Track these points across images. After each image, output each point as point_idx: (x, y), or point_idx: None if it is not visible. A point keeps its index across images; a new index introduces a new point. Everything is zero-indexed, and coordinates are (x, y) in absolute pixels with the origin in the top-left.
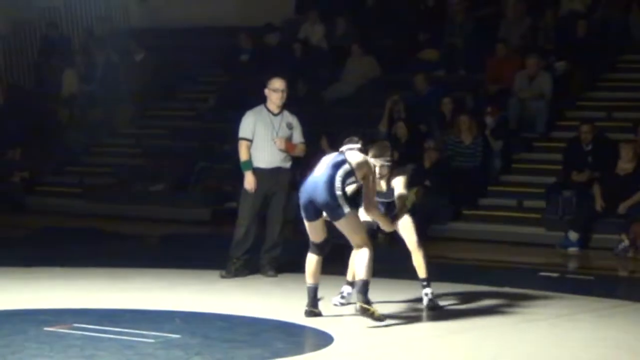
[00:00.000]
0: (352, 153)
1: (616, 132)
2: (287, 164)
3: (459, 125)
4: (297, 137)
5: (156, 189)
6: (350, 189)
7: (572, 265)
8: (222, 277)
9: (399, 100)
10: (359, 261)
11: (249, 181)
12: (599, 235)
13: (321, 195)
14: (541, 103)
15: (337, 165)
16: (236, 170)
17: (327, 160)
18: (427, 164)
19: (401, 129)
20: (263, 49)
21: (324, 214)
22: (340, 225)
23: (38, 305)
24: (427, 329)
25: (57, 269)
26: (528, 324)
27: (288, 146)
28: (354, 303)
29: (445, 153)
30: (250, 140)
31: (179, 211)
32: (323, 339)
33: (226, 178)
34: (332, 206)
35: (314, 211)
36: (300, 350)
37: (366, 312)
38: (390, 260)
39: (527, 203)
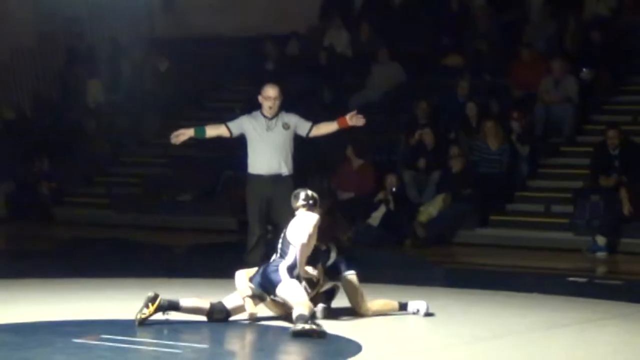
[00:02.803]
0: (296, 222)
1: None
2: (286, 171)
3: (484, 130)
4: (304, 126)
5: (183, 198)
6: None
7: (600, 270)
8: None
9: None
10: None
11: (181, 131)
12: (627, 240)
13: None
14: (568, 107)
15: (286, 248)
16: None
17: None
18: (454, 170)
19: (427, 136)
20: (288, 57)
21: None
22: (280, 292)
23: (66, 316)
24: (455, 336)
25: (85, 280)
26: (557, 330)
27: (341, 123)
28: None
29: (472, 159)
30: (230, 131)
31: (206, 220)
32: (351, 347)
33: None
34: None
35: None
36: (328, 359)
37: (303, 331)
38: (401, 267)
39: (555, 208)
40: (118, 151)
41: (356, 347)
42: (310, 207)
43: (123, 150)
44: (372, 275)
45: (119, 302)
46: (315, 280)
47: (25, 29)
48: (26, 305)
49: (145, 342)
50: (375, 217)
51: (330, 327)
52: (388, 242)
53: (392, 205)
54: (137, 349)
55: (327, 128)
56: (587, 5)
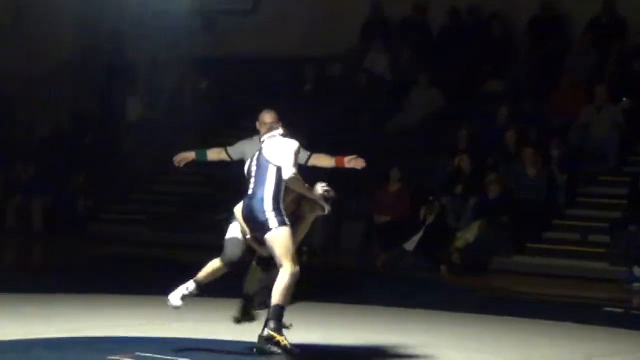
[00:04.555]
0: (266, 142)
1: None
2: None
3: (523, 157)
4: (302, 155)
5: (220, 217)
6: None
7: (636, 300)
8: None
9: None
10: (279, 282)
11: (182, 155)
12: None
13: (253, 214)
14: (612, 135)
15: (262, 175)
16: None
17: (252, 168)
18: (491, 196)
19: (465, 162)
20: (327, 79)
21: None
22: (268, 239)
23: (101, 333)
24: None
25: (120, 297)
26: None
27: (338, 162)
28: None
29: (509, 186)
30: (229, 156)
31: None
32: None
33: None
34: (263, 226)
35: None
36: None
37: (272, 340)
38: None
39: (592, 237)
40: (155, 168)
41: None
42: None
43: (160, 168)
44: (406, 300)
45: (153, 320)
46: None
47: (66, 43)
48: (62, 321)
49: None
50: (412, 242)
51: (361, 352)
52: (423, 267)
53: (436, 211)
54: None
55: (324, 161)
56: (629, 34)
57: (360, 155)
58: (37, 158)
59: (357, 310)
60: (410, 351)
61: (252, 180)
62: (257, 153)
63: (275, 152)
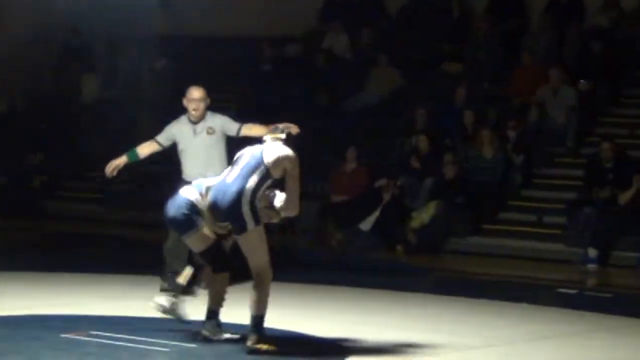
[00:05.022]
0: (269, 146)
1: (638, 150)
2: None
3: (480, 138)
4: (231, 127)
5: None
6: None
7: (590, 282)
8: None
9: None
10: (256, 291)
11: (114, 163)
12: (618, 253)
13: (226, 205)
14: (570, 117)
15: (251, 170)
16: None
17: (241, 161)
18: (447, 177)
19: (423, 142)
20: (285, 59)
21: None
22: (242, 240)
23: (55, 311)
24: (444, 344)
25: (75, 275)
26: (545, 341)
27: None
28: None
29: (466, 166)
30: (160, 144)
31: None
32: (338, 353)
33: None
34: (236, 219)
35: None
36: None
37: (259, 352)
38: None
39: (547, 219)
40: (112, 147)
41: (343, 354)
42: (284, 142)
43: (117, 146)
44: (361, 279)
45: (108, 298)
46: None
47: (21, 23)
48: (15, 299)
49: (133, 339)
50: (368, 222)
51: (315, 331)
52: (379, 247)
53: (395, 192)
54: (125, 346)
55: (258, 131)
56: (588, 15)
57: (317, 134)
58: None
59: (314, 290)
60: (365, 332)
61: (235, 168)
62: (259, 147)
63: (273, 156)
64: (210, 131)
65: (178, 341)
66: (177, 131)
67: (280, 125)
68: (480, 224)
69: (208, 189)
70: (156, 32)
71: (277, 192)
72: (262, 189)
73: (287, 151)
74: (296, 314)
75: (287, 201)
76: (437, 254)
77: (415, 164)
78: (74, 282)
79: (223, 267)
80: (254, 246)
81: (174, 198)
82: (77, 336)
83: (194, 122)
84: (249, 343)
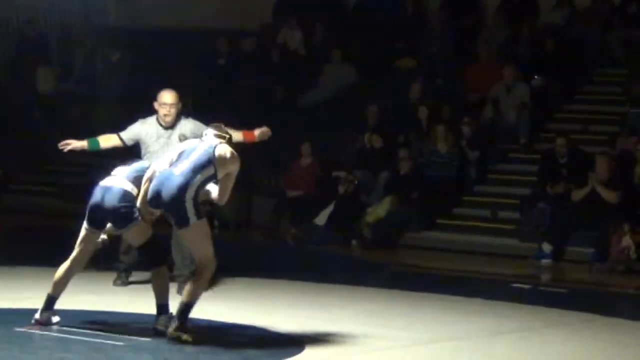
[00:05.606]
0: (222, 148)
1: (591, 145)
2: None
3: (435, 134)
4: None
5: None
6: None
7: (545, 277)
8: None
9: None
10: (195, 279)
11: (71, 142)
12: (572, 248)
13: (170, 197)
14: (522, 114)
15: (200, 167)
16: None
17: (192, 156)
18: (401, 172)
19: (375, 137)
20: (241, 53)
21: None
22: (185, 234)
23: (8, 304)
24: (396, 339)
25: (28, 268)
26: (498, 337)
27: (247, 136)
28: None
29: (421, 162)
30: (122, 141)
31: None
32: (294, 346)
33: None
34: (178, 212)
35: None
36: (271, 357)
37: (179, 340)
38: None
39: (502, 214)
40: (66, 139)
41: (298, 346)
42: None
43: (71, 139)
44: (317, 274)
45: (63, 292)
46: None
47: None
48: None
49: (87, 333)
50: (322, 216)
51: (271, 325)
52: (334, 242)
53: (351, 188)
54: (79, 339)
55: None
56: (541, 13)
57: (272, 129)
58: None
59: (268, 285)
60: (319, 326)
61: (184, 161)
62: (207, 145)
63: (225, 160)
64: (182, 138)
65: (133, 335)
66: (144, 133)
67: (257, 132)
68: (435, 219)
69: (139, 176)
70: (111, 24)
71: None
72: (205, 186)
73: (235, 156)
74: (251, 308)
75: (222, 193)
76: (392, 249)
77: (368, 165)
78: (29, 276)
79: (162, 259)
80: (198, 239)
81: (104, 190)
82: (31, 330)
83: (165, 127)
84: (170, 330)
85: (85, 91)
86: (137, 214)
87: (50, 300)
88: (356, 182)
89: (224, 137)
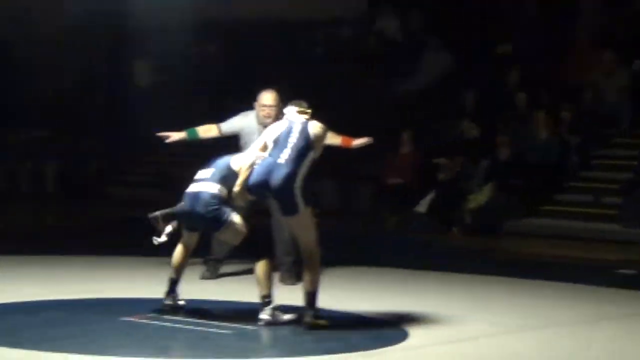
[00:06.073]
0: (313, 125)
1: None
2: None
3: (535, 120)
4: None
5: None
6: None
7: None
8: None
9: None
10: (308, 270)
11: (171, 133)
12: None
13: (278, 186)
14: (623, 98)
15: (302, 154)
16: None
17: (290, 141)
18: (501, 159)
19: (474, 125)
20: (337, 42)
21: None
22: (292, 222)
23: (115, 295)
24: (499, 325)
25: (135, 259)
26: (602, 322)
27: (345, 142)
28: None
29: (521, 149)
30: (220, 132)
31: None
32: (398, 334)
33: None
34: (288, 201)
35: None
36: (375, 345)
37: (318, 327)
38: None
39: (605, 199)
40: (166, 130)
41: (401, 334)
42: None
43: (173, 131)
44: (418, 262)
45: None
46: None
47: (74, 6)
48: (77, 283)
49: (193, 322)
50: (423, 204)
51: (373, 313)
52: (435, 230)
53: (451, 175)
54: (185, 328)
55: (331, 139)
56: None
57: (372, 118)
58: (49, 121)
59: (370, 273)
60: (421, 313)
61: (285, 149)
62: (300, 125)
63: (319, 137)
64: None
65: (238, 323)
66: (245, 127)
67: (355, 141)
68: (536, 206)
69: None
70: (208, 15)
71: None
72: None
73: (325, 128)
74: (353, 296)
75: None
76: (494, 236)
77: (469, 152)
78: (134, 266)
79: (263, 253)
80: (305, 226)
81: (193, 198)
82: (137, 319)
83: (265, 126)
84: (307, 319)
85: (183, 83)
86: (227, 214)
87: (172, 283)
88: (457, 169)
89: (307, 113)
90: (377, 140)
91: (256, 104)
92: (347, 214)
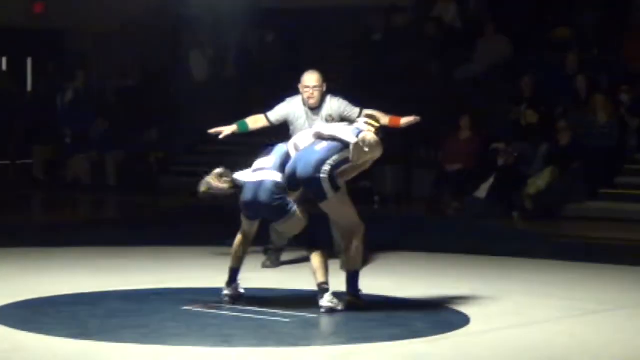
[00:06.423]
0: (367, 134)
1: None
2: None
3: (594, 103)
4: (351, 112)
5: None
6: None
7: None
8: None
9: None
10: (350, 249)
11: (222, 128)
12: None
13: (305, 173)
14: None
15: (339, 148)
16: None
17: (334, 134)
18: (561, 143)
19: (531, 110)
20: (394, 28)
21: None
22: (325, 207)
23: (176, 284)
24: (565, 308)
25: (194, 249)
26: None
27: (393, 121)
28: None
29: (580, 132)
30: (269, 121)
31: None
32: (460, 320)
33: None
34: (315, 188)
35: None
36: (438, 330)
37: (356, 307)
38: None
39: None
40: (223, 121)
41: (463, 320)
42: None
43: (229, 121)
44: (479, 247)
45: (227, 271)
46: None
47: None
48: (139, 274)
49: (253, 310)
50: (482, 189)
51: (435, 299)
52: (495, 215)
53: (510, 160)
54: (246, 317)
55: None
56: None
57: (430, 103)
58: (111, 113)
59: (430, 258)
60: (483, 298)
61: (323, 142)
62: (357, 131)
63: (367, 147)
64: (330, 119)
65: (298, 311)
66: (291, 112)
67: (403, 120)
68: (596, 189)
69: (284, 162)
70: (264, 4)
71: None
72: (341, 167)
73: (379, 145)
74: (414, 282)
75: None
76: (554, 220)
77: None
78: (194, 256)
79: (318, 244)
80: (339, 209)
81: (256, 187)
82: (197, 308)
83: (310, 109)
84: (348, 298)
85: (240, 73)
86: (290, 204)
87: (233, 273)
88: (515, 154)
89: (373, 126)
90: (436, 126)
91: (300, 86)
92: (408, 199)
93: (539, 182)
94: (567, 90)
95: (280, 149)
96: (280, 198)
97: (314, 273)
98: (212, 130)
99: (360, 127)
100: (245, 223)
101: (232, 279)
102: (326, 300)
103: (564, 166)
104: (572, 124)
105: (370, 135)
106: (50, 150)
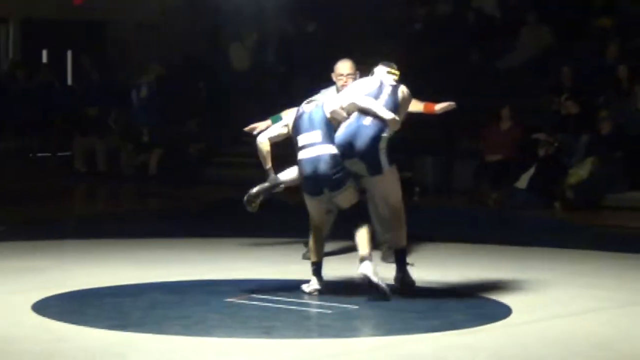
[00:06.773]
0: (402, 89)
1: None
2: None
3: (635, 93)
4: None
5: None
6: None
7: None
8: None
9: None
10: (395, 227)
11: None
12: None
13: (363, 147)
14: None
15: (381, 122)
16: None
17: (379, 102)
18: (602, 132)
19: (572, 100)
20: (436, 17)
21: None
22: (378, 181)
23: (218, 276)
24: (606, 300)
25: (236, 240)
26: None
27: (427, 108)
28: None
29: (621, 122)
30: None
31: None
32: (501, 311)
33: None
34: (373, 161)
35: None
36: (479, 322)
37: (409, 285)
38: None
39: None
40: (266, 112)
41: (505, 311)
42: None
43: (272, 112)
44: (519, 237)
45: (271, 262)
46: None
47: None
48: (180, 265)
49: (295, 302)
50: (523, 180)
51: (476, 290)
52: (536, 205)
53: (551, 150)
54: (287, 308)
55: (413, 106)
56: None
57: (471, 93)
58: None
59: (471, 249)
60: (524, 288)
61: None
62: (390, 87)
63: (405, 101)
64: None
65: (340, 303)
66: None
67: (438, 106)
68: (638, 179)
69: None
70: None
71: None
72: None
73: (410, 95)
74: (455, 273)
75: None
76: (596, 210)
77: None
78: (236, 247)
79: (366, 220)
80: (392, 184)
81: (315, 161)
82: (240, 300)
83: None
84: (400, 275)
85: (282, 63)
86: (348, 178)
87: (316, 267)
88: (556, 144)
89: (396, 74)
90: (477, 116)
91: (333, 75)
92: (448, 190)
93: (580, 172)
94: (608, 80)
95: (319, 121)
96: (341, 169)
97: (358, 245)
98: (247, 128)
99: (389, 81)
100: (313, 214)
101: (318, 274)
102: (366, 267)
103: (605, 156)
104: (613, 113)
105: (403, 89)
106: (104, 141)
